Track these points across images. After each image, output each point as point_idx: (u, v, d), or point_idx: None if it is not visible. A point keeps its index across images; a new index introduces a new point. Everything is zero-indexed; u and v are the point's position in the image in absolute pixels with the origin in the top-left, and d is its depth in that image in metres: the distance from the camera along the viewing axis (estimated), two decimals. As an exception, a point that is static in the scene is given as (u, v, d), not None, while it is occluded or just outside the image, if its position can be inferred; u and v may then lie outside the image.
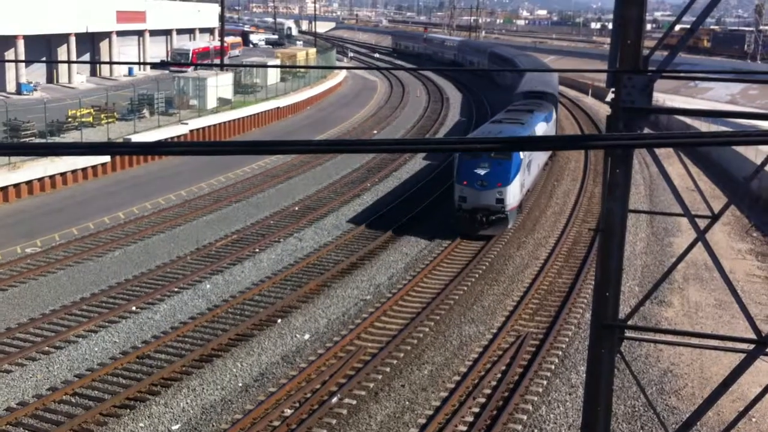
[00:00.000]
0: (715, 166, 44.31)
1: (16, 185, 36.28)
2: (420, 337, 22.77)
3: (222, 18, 70.26)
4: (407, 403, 19.07)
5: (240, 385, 19.96)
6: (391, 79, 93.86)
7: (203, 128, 51.82)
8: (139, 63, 71.08)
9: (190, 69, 65.12)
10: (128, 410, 18.56)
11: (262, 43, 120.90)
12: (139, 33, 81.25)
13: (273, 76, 68.66)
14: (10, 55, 61.10)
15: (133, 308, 24.44)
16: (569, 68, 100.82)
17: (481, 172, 31.53)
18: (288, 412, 18.40)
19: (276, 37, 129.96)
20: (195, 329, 23.18)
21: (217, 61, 76.51)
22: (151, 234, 31.76)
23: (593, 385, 7.64)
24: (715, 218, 7.42)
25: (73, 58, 68.40)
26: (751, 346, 6.95)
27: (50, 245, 29.97)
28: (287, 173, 43.25)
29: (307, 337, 22.85)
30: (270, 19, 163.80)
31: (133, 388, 19.38)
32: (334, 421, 18.06)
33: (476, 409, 18.66)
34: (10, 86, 61.81)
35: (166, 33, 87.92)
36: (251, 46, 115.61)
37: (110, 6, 74.02)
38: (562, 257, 30.12)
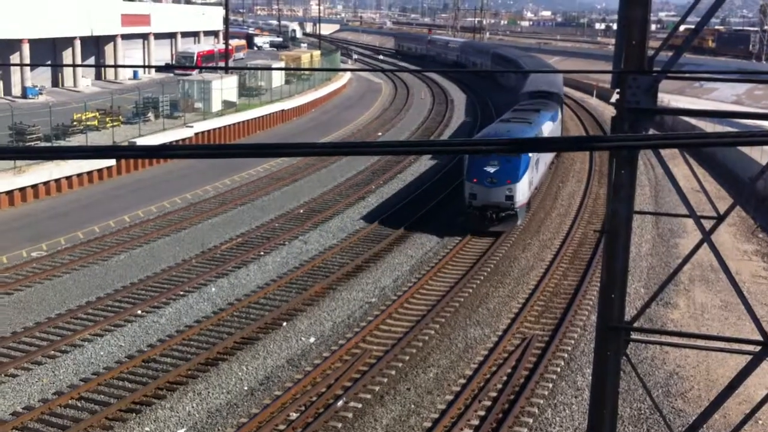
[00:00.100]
0: (721, 166, 44.23)
1: (22, 189, 36.33)
2: (425, 339, 22.73)
3: (226, 21, 70.33)
4: (413, 406, 19.03)
5: (245, 388, 19.94)
6: (395, 81, 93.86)
7: (208, 131, 51.87)
8: (143, 66, 70.78)
9: (195, 72, 65.26)
10: (134, 414, 18.55)
11: (267, 45, 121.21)
12: (144, 36, 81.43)
13: (277, 78, 68.72)
14: (15, 58, 61.27)
15: (139, 312, 24.44)
16: (574, 69, 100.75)
17: (491, 169, 32.10)
18: (293, 415, 18.38)
19: (280, 39, 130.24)
20: (200, 333, 23.17)
21: (221, 63, 76.64)
22: (156, 237, 31.78)
23: (599, 388, 7.62)
24: (720, 219, 7.39)
25: (78, 61, 68.57)
26: (758, 348, 6.92)
27: (56, 249, 30.01)
28: (292, 176, 43.26)
29: (312, 340, 22.83)
30: (274, 22, 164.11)
31: (139, 392, 19.38)
32: (339, 425, 18.03)
33: (482, 413, 18.61)
34: (16, 90, 61.97)
35: (171, 36, 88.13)
36: (256, 48, 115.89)
37: (115, 9, 74.23)
38: (568, 259, 30.05)
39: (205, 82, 56.08)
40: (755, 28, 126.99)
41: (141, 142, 44.55)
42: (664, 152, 7.62)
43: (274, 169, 44.89)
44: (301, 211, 36.43)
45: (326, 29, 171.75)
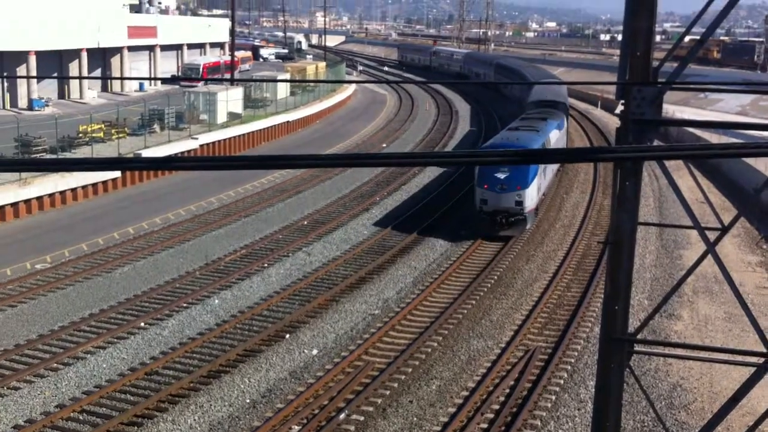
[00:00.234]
0: (725, 177, 44.14)
1: (27, 201, 36.37)
2: (428, 351, 22.65)
3: (232, 33, 70.49)
4: (415, 419, 18.94)
5: (248, 401, 19.87)
6: (400, 92, 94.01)
7: (213, 143, 51.94)
8: (149, 78, 71.23)
9: (201, 84, 65.41)
10: (136, 427, 18.50)
11: (272, 57, 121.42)
12: (150, 48, 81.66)
13: (283, 90, 68.82)
14: (22, 70, 61.43)
15: (142, 324, 24.39)
16: (578, 80, 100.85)
17: (501, 176, 33.21)
18: (296, 428, 18.31)
19: (286, 51, 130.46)
20: (203, 345, 23.12)
21: (227, 75, 76.80)
22: (160, 249, 31.76)
23: (602, 400, 7.55)
24: (725, 230, 7.33)
25: (85, 73, 68.75)
26: (761, 360, 6.85)
27: (60, 261, 30.01)
28: (297, 187, 43.27)
29: (315, 352, 22.76)
30: (280, 34, 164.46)
31: (141, 405, 19.32)
32: (342, 437, 17.95)
33: (485, 425, 18.52)
34: (22, 102, 62.13)
35: (177, 48, 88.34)
36: (261, 60, 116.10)
37: (122, 21, 74.46)
38: (571, 270, 29.97)
39: (210, 94, 56.17)
40: (760, 39, 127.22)
41: (146, 153, 44.58)
42: (668, 163, 7.57)
43: (278, 180, 44.90)
44: (305, 222, 36.40)
45: (332, 41, 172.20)
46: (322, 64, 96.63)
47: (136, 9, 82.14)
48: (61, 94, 68.92)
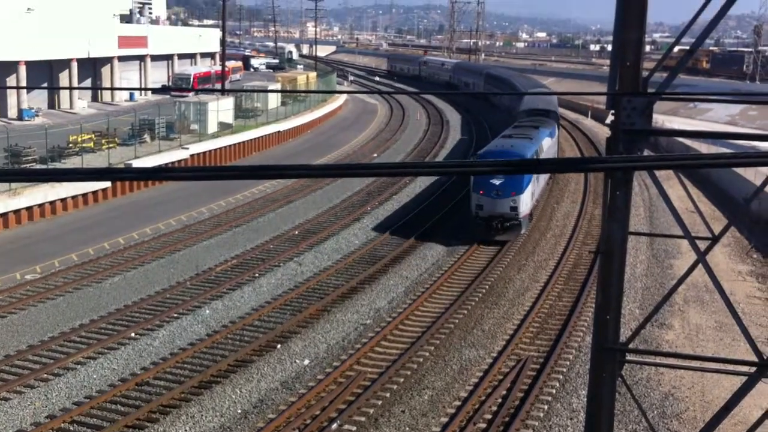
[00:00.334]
0: (715, 187, 44.31)
1: (17, 211, 36.23)
2: (420, 361, 22.63)
3: (223, 43, 70.50)
4: (407, 428, 18.90)
5: (239, 411, 19.80)
6: (391, 102, 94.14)
7: (204, 153, 51.87)
8: (140, 89, 71.12)
9: (191, 94, 65.33)
10: (127, 437, 18.40)
11: (263, 67, 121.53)
12: (141, 58, 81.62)
13: (274, 100, 68.80)
14: (11, 80, 61.27)
15: (133, 334, 24.30)
16: (569, 91, 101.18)
17: (496, 182, 33.98)
18: (288, 438, 18.24)
19: (277, 61, 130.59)
20: (194, 355, 23.04)
21: (218, 85, 76.74)
22: (150, 259, 31.67)
23: (594, 409, 7.55)
24: (715, 240, 7.36)
25: (75, 83, 68.61)
26: (753, 369, 6.86)
27: (50, 271, 29.88)
28: (287, 197, 43.22)
29: (306, 362, 22.71)
30: (271, 44, 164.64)
31: (132, 416, 19.23)
32: (334, 447, 17.88)
33: (478, 434, 18.48)
34: (12, 112, 61.97)
35: (168, 58, 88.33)
36: (252, 70, 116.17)
37: (112, 31, 74.40)
38: (563, 280, 30.01)
39: (201, 104, 56.11)
40: (749, 49, 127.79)
41: (137, 163, 44.50)
42: (658, 173, 7.60)
43: (269, 190, 44.86)
44: (296, 232, 36.36)
45: (323, 51, 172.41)
46: (312, 74, 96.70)
47: (126, 19, 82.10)
48: (51, 104, 68.78)
